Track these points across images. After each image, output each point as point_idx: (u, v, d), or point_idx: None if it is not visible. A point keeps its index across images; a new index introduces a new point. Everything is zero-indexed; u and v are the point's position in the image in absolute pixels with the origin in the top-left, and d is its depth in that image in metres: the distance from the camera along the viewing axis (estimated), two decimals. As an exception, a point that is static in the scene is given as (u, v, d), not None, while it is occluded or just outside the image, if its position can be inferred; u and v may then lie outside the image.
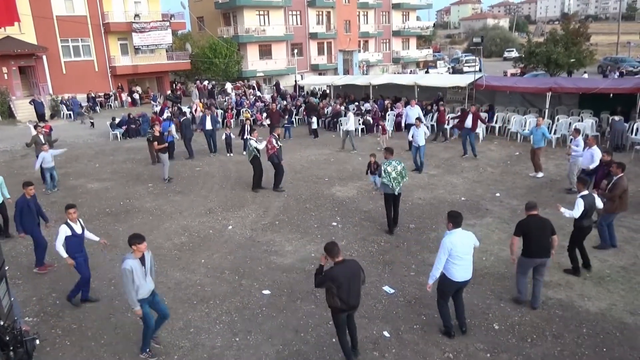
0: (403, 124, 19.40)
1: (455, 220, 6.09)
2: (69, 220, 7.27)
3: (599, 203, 7.95)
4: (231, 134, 17.98)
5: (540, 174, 13.46)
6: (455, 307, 6.52)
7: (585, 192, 7.76)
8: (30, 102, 27.65)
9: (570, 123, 17.10)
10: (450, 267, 6.09)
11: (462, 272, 6.11)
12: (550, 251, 6.81)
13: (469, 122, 15.67)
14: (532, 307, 7.00)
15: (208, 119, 18.24)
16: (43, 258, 8.83)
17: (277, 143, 12.78)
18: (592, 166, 10.69)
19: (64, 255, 7.16)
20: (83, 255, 7.43)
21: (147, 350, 6.26)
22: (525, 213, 6.91)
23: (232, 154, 17.66)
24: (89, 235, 7.62)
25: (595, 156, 10.68)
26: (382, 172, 9.60)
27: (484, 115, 19.02)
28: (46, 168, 13.81)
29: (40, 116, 27.21)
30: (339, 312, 5.64)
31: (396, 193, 9.65)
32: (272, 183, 13.17)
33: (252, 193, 13.08)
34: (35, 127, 16.25)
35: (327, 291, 5.55)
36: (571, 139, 13.10)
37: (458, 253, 6.01)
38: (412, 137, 14.41)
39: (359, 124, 20.70)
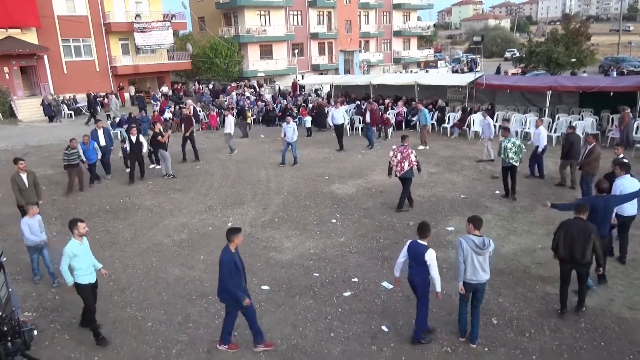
0: (331, 123, 19.17)
1: (624, 167, 8.14)
2: None
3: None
4: (127, 148, 14.64)
5: (423, 147, 16.62)
6: (621, 242, 8.23)
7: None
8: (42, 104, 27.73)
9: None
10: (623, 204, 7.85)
11: (632, 207, 7.86)
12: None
13: (367, 117, 18.09)
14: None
15: (100, 132, 14.81)
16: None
17: (415, 156, 10.90)
18: (540, 145, 12.90)
19: None
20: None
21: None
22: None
23: (155, 165, 16.00)
24: None
25: (541, 135, 12.90)
26: (501, 148, 11.36)
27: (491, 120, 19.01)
28: (33, 246, 7.90)
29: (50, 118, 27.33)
30: (562, 262, 6.72)
31: (512, 164, 11.25)
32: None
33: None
34: (15, 161, 9.95)
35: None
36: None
37: (627, 192, 7.77)
38: (284, 134, 15.59)
39: (360, 123, 20.71)
